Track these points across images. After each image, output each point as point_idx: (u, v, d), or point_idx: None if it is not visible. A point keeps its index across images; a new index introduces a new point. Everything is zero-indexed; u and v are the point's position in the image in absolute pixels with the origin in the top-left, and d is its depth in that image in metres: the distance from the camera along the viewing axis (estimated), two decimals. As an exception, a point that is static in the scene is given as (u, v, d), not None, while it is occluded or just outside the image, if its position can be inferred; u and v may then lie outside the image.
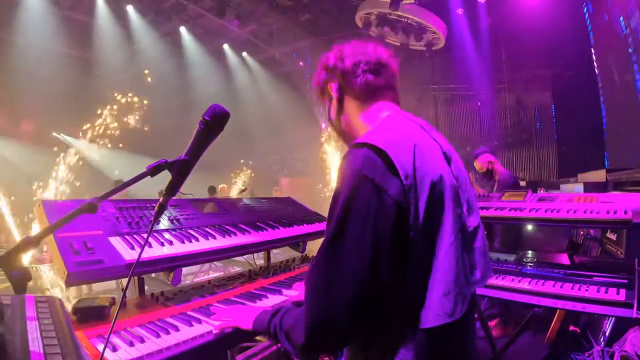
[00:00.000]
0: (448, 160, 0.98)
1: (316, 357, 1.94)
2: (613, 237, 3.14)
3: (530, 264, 2.27)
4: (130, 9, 10.17)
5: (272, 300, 1.38)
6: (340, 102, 1.07)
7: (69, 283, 1.04)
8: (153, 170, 0.96)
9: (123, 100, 9.62)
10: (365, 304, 0.80)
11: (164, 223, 1.50)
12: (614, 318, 2.43)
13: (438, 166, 0.89)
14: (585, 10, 8.48)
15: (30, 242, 0.91)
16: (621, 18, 6.77)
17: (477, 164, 3.92)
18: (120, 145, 10.41)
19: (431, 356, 0.84)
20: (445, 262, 0.84)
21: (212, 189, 8.77)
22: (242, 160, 14.34)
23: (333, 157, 11.24)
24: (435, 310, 0.82)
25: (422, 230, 0.82)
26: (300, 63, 13.35)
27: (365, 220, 0.79)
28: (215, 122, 0.97)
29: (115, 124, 9.44)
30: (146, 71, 10.10)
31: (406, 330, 0.83)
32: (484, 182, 4.15)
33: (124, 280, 0.99)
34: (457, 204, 0.90)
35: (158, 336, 1.03)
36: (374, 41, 1.10)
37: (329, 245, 0.82)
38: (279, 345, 1.97)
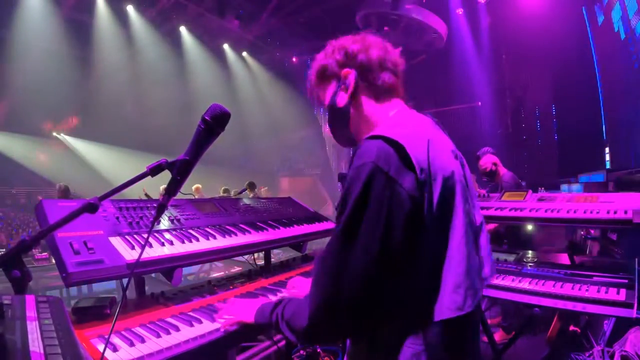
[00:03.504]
0: (456, 157, 0.98)
1: (317, 344, 1.92)
2: (613, 237, 3.14)
3: (530, 264, 2.27)
4: (130, 8, 10.16)
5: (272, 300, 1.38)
6: (355, 91, 1.03)
7: (69, 283, 1.04)
8: (153, 171, 0.96)
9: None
10: (371, 294, 0.81)
11: (164, 223, 1.50)
12: (614, 318, 2.43)
13: (449, 162, 0.90)
14: (584, 10, 8.48)
15: (30, 242, 0.91)
16: (620, 18, 6.77)
17: (480, 164, 3.86)
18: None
19: (441, 349, 0.84)
20: (457, 255, 0.84)
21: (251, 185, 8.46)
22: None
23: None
24: (446, 304, 0.82)
25: (436, 224, 0.83)
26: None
27: (378, 212, 0.80)
28: (215, 122, 0.97)
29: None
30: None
31: (416, 322, 0.84)
32: (485, 183, 4.11)
33: (125, 281, 0.99)
34: (465, 200, 0.91)
35: (158, 336, 1.04)
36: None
37: (341, 234, 0.83)
38: (279, 344, 1.97)
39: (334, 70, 1.05)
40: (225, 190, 8.60)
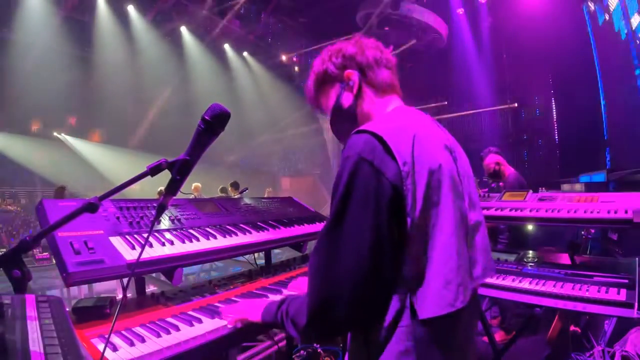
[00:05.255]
0: (450, 152, 0.98)
1: (318, 340, 1.92)
2: (614, 237, 3.14)
3: (530, 264, 2.27)
4: (130, 8, 10.16)
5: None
6: (359, 89, 1.06)
7: (69, 283, 1.04)
8: (153, 170, 0.96)
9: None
10: (366, 286, 0.81)
11: (164, 223, 1.50)
12: (614, 318, 2.43)
13: (438, 156, 0.90)
14: (585, 10, 8.47)
15: (31, 242, 0.91)
16: (621, 18, 6.76)
17: (484, 165, 3.79)
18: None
19: (432, 346, 0.84)
20: (446, 252, 0.84)
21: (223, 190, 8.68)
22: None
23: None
24: (435, 300, 0.82)
25: (420, 218, 0.83)
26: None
27: (365, 201, 0.81)
28: (215, 121, 0.97)
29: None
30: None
31: (406, 317, 0.83)
32: (486, 184, 4.05)
33: (125, 280, 0.99)
34: (457, 196, 0.91)
35: (159, 336, 1.03)
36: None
37: (331, 227, 0.84)
38: (280, 344, 1.97)
39: (335, 73, 1.08)
40: (223, 190, 8.61)
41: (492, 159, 3.72)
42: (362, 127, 0.89)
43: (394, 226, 0.82)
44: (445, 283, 0.83)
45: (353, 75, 1.06)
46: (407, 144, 0.86)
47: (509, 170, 3.69)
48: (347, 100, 1.07)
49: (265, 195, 9.09)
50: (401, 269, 0.83)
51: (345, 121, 1.09)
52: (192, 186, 7.95)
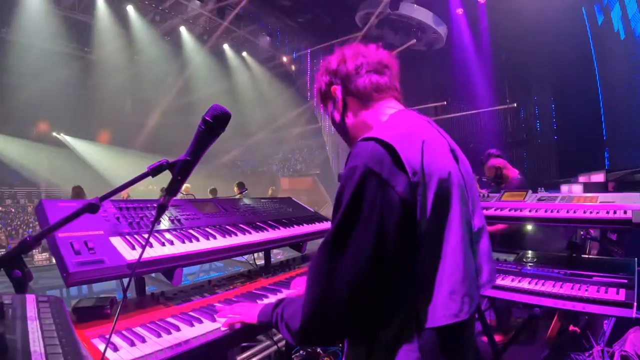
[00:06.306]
0: (455, 157, 0.98)
1: (311, 346, 1.93)
2: (613, 237, 3.15)
3: (530, 264, 2.27)
4: (130, 9, 10.15)
5: (272, 300, 1.38)
6: (344, 104, 1.07)
7: (70, 283, 1.04)
8: (154, 171, 0.96)
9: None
10: (364, 298, 0.80)
11: (164, 223, 1.50)
12: (614, 318, 2.43)
13: (446, 163, 0.89)
14: (584, 10, 8.48)
15: (31, 242, 0.91)
16: (620, 18, 6.77)
17: (486, 170, 3.71)
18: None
19: (437, 356, 0.83)
20: (453, 261, 0.83)
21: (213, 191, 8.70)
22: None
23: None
24: (440, 311, 0.81)
25: (429, 227, 0.81)
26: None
27: (370, 215, 0.79)
28: (216, 122, 0.97)
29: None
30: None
31: (411, 328, 0.82)
32: (487, 184, 4.01)
33: (125, 280, 0.99)
34: (464, 202, 0.89)
35: (159, 336, 1.04)
36: (375, 43, 1.11)
37: (333, 237, 0.82)
38: (279, 344, 1.97)
39: (325, 91, 1.11)
40: (212, 191, 8.60)
41: (493, 163, 3.63)
42: (368, 135, 0.86)
43: (400, 238, 0.80)
44: (450, 293, 0.81)
45: (336, 91, 1.07)
46: (417, 152, 0.83)
47: (512, 173, 3.60)
48: (337, 116, 1.10)
49: (269, 194, 9.10)
50: (407, 279, 0.82)
51: (342, 134, 1.13)
52: (183, 187, 7.94)
